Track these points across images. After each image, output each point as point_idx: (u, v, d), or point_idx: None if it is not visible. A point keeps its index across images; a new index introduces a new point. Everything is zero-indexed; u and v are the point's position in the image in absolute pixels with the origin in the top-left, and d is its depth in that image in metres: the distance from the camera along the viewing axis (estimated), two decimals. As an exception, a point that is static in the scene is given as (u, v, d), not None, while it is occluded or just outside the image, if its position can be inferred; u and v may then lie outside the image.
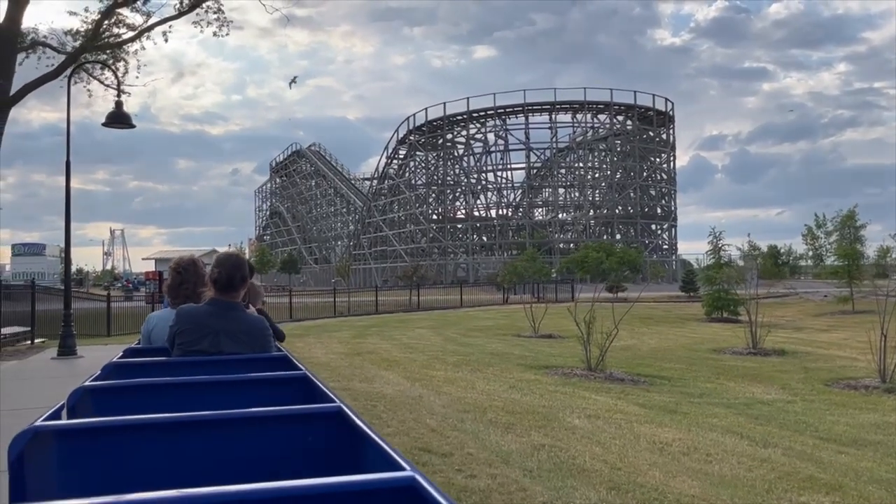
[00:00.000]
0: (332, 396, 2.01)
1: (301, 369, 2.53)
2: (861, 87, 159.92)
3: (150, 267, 66.09)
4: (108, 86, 24.23)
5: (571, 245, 66.38)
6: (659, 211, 66.64)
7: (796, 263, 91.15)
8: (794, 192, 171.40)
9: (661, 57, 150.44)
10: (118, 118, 11.75)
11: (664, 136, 66.60)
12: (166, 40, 24.72)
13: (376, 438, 1.52)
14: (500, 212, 68.64)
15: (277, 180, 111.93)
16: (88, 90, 24.39)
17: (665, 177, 67.45)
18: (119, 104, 11.88)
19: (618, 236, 63.81)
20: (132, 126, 12.01)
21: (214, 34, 24.58)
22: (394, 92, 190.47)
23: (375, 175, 78.09)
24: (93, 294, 23.83)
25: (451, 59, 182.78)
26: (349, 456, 1.68)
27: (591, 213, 63.68)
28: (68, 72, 23.55)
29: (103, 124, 11.90)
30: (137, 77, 24.95)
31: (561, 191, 66.53)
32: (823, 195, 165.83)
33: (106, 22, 23.57)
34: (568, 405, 8.26)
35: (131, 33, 24.02)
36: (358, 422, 1.67)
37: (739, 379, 11.82)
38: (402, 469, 1.29)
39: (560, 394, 9.27)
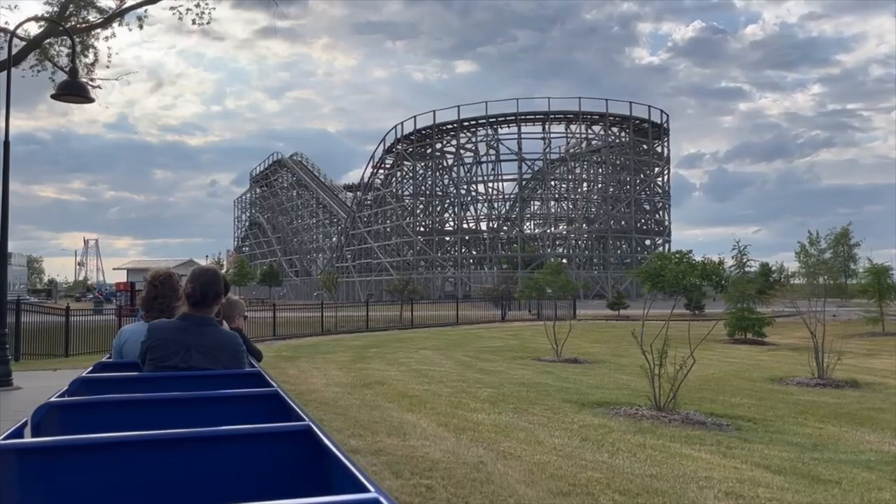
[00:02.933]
0: (302, 414, 1.98)
1: (273, 386, 2.48)
2: (835, 109, 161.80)
3: (122, 277, 62.60)
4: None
5: (564, 260, 64.23)
6: (653, 226, 64.78)
7: (788, 281, 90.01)
8: (770, 211, 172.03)
9: (640, 75, 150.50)
10: (71, 88, 9.30)
11: (658, 149, 64.88)
12: (141, 27, 22.42)
13: (342, 458, 1.51)
14: (491, 224, 66.37)
15: (257, 190, 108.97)
16: (53, 79, 21.96)
17: (659, 190, 65.69)
18: (74, 71, 9.42)
19: (611, 251, 61.91)
20: (89, 99, 9.56)
21: (194, 21, 22.35)
22: (374, 105, 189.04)
23: (361, 185, 75.52)
24: (48, 307, 21.03)
25: (433, 74, 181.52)
26: (317, 475, 1.67)
27: (585, 226, 61.57)
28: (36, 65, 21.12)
29: (52, 96, 9.47)
30: (108, 67, 22.39)
31: (553, 203, 64.43)
32: (799, 214, 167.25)
33: (72, 5, 21.28)
34: (683, 474, 5.96)
35: (102, 18, 21.70)
36: (326, 441, 1.65)
37: (834, 420, 9.64)
38: (367, 490, 1.29)
39: (653, 450, 6.97)
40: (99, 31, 21.76)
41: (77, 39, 21.81)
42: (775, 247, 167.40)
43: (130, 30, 21.63)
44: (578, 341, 23.35)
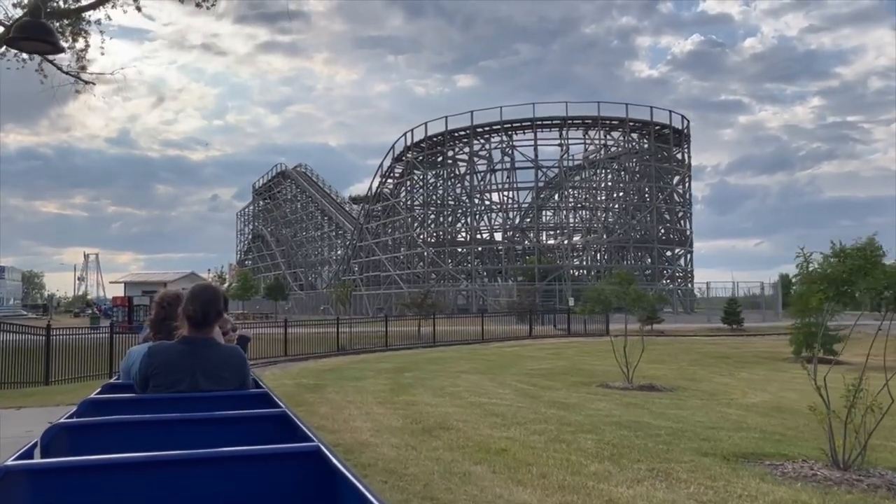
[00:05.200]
0: (311, 435, 1.97)
1: (280, 407, 2.46)
2: (835, 121, 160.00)
3: (119, 291, 59.69)
4: (59, 67, 19.46)
5: (583, 271, 61.52)
6: (675, 235, 62.03)
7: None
8: (772, 224, 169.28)
9: (640, 88, 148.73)
10: (32, 31, 6.70)
11: (679, 156, 62.22)
12: (138, 8, 20.02)
13: (353, 479, 1.50)
14: (506, 234, 63.52)
15: (261, 203, 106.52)
16: (40, 71, 19.66)
17: (679, 199, 62.99)
18: (36, 10, 6.83)
19: (633, 262, 59.25)
20: (56, 47, 6.99)
21: (198, 5, 20.18)
22: (376, 119, 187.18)
23: (368, 195, 72.90)
24: (24, 325, 18.19)
25: (435, 88, 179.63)
26: (326, 496, 1.67)
27: (605, 237, 58.72)
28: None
29: (7, 41, 6.91)
30: (103, 54, 19.98)
31: (571, 213, 61.69)
32: (801, 226, 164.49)
33: (62, -14, 19.07)
34: None
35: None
36: (335, 462, 1.65)
37: None
38: None
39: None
40: (91, 13, 19.40)
41: (66, 22, 19.46)
42: (778, 259, 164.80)
43: (125, 12, 19.29)
44: (633, 361, 20.74)
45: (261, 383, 3.22)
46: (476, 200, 62.72)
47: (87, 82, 20.52)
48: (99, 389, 3.06)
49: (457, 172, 64.93)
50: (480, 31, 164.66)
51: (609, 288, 17.20)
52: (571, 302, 46.39)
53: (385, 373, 15.12)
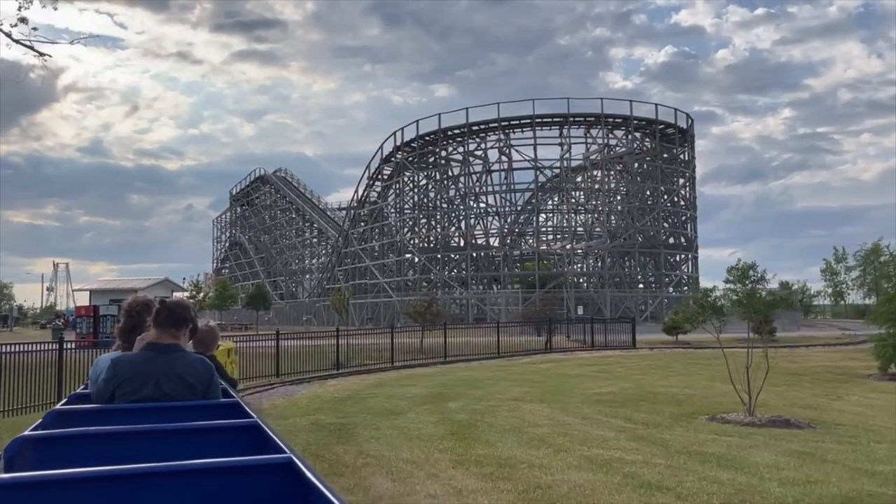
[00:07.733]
0: (283, 447, 1.87)
1: (252, 416, 2.38)
2: (806, 133, 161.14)
3: (85, 300, 55.09)
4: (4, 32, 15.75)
5: (584, 278, 58.27)
6: (681, 240, 59.04)
7: (810, 301, 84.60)
8: (746, 233, 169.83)
9: (614, 99, 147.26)
10: None
11: (683, 157, 59.35)
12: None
13: (326, 491, 1.45)
14: (504, 239, 60.03)
15: (238, 209, 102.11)
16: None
17: (683, 203, 60.08)
18: None
19: (637, 269, 56.17)
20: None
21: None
22: (353, 129, 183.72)
23: (354, 199, 69.14)
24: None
25: (412, 97, 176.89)
26: None
27: (609, 241, 55.43)
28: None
29: None
30: (55, 9, 16.12)
31: (572, 216, 58.44)
32: (774, 236, 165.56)
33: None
34: None
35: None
36: (308, 474, 1.58)
37: None
38: None
39: None
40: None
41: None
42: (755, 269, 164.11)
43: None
44: (697, 380, 17.40)
45: (231, 392, 3.07)
46: (471, 203, 59.24)
47: (40, 54, 16.77)
48: (66, 399, 3.00)
49: (450, 173, 61.37)
50: (458, 41, 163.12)
51: (725, 292, 13.80)
52: (580, 310, 43.34)
53: (422, 403, 11.52)
